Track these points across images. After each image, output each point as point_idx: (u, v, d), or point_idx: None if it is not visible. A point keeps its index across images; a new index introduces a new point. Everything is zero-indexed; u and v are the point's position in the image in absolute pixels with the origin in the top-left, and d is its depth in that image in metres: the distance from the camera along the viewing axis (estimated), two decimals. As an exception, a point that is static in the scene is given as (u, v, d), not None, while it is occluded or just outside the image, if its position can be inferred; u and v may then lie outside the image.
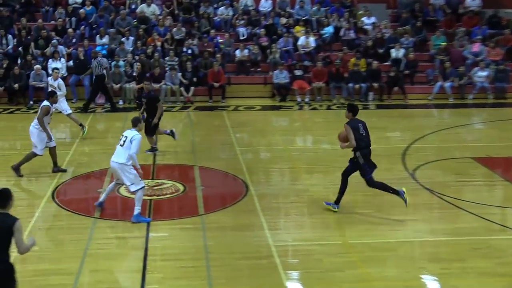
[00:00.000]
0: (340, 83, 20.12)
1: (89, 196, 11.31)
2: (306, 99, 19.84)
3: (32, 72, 18.96)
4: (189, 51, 20.70)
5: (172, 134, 14.10)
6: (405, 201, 9.95)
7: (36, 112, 17.84)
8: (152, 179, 12.07)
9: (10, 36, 20.41)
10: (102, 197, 10.32)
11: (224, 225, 9.88)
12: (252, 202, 10.83)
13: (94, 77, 18.48)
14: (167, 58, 20.32)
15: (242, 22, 22.44)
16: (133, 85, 19.37)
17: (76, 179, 12.06)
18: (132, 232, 9.55)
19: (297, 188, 11.61)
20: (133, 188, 9.85)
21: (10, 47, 20.28)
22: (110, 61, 19.92)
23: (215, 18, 22.70)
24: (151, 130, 13.60)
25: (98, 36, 20.94)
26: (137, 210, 9.82)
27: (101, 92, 18.80)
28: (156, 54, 20.01)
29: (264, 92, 20.48)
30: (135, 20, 21.93)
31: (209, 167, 12.89)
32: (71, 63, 20.01)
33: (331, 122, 17.50)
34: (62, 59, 19.72)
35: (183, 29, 21.59)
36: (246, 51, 21.10)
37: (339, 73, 20.18)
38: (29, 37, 20.63)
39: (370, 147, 10.04)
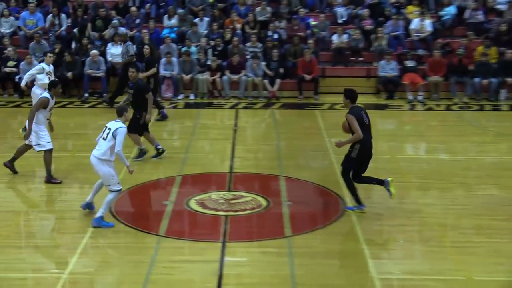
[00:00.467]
0: (463, 78, 19.71)
1: (152, 210, 11.55)
2: (419, 97, 19.55)
3: (88, 58, 19.62)
4: (275, 36, 20.83)
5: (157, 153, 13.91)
6: (390, 192, 10.94)
7: (92, 106, 18.55)
8: (228, 191, 12.20)
9: (63, 16, 21.19)
10: (89, 197, 10.93)
11: (316, 250, 9.84)
12: (350, 223, 10.75)
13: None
14: (248, 44, 20.53)
15: (341, 0, 22.37)
16: (206, 76, 19.69)
17: (138, 189, 12.34)
18: (203, 255, 9.67)
19: (407, 208, 11.43)
20: (108, 188, 10.46)
21: (63, 28, 21.06)
22: (180, 47, 20.36)
23: (308, -5, 22.79)
24: (138, 127, 13.57)
25: (166, 16, 21.43)
26: (100, 212, 10.38)
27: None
28: (235, 39, 20.26)
29: (366, 88, 20.34)
30: (210, -2, 22.33)
31: (297, 178, 12.90)
32: (134, 47, 20.51)
33: (450, 127, 17.14)
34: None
35: (268, 8, 21.76)
36: (345, 36, 21.01)
37: (462, 65, 19.78)
38: (85, 16, 21.37)
39: (372, 140, 10.97)
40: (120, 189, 10.59)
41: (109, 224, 10.48)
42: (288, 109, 18.98)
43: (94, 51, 19.62)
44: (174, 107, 18.95)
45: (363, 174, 11.12)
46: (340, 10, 22.19)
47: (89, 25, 20.85)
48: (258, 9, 21.71)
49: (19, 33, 20.92)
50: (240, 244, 10.14)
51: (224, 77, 19.76)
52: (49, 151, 12.48)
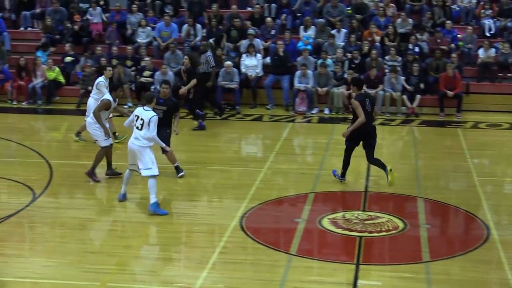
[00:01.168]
0: None
1: (284, 227, 11.61)
2: None
3: (222, 69, 20.03)
4: (417, 49, 20.51)
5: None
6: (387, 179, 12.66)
7: (224, 118, 18.91)
8: (363, 210, 12.09)
9: (199, 26, 21.77)
10: (123, 189, 12.23)
11: (455, 278, 9.59)
12: (495, 251, 10.40)
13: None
14: (387, 57, 20.33)
15: (489, 12, 21.77)
16: (342, 89, 19.65)
17: (269, 205, 12.44)
18: (335, 276, 9.62)
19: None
20: (144, 173, 11.61)
21: (198, 38, 21.62)
22: (316, 59, 20.44)
23: (454, 6, 22.28)
24: (169, 143, 13.45)
25: (302, 27, 21.58)
26: (153, 199, 11.59)
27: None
28: (374, 51, 20.11)
29: (515, 106, 19.73)
30: (349, 8, 22.27)
31: (437, 200, 12.62)
32: (268, 59, 20.82)
33: None
34: (258, 55, 20.61)
35: (410, 20, 21.49)
36: (492, 50, 20.42)
37: None
38: (220, 27, 21.87)
39: (373, 123, 13.01)
40: (157, 174, 11.72)
41: (164, 212, 11.68)
42: (428, 126, 18.61)
43: (228, 62, 20.02)
44: (308, 121, 19.00)
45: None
46: (487, 22, 21.59)
47: (224, 35, 21.29)
48: (398, 20, 21.47)
49: (154, 43, 21.68)
50: (375, 267, 10.03)
51: (361, 92, 19.63)
52: (105, 148, 13.49)
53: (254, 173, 14.06)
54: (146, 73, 20.35)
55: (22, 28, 23.14)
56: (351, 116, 13.27)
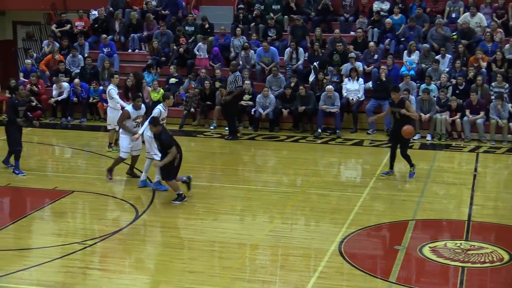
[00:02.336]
0: None
1: (383, 254, 11.44)
2: None
3: (323, 93, 20.01)
4: (525, 75, 19.95)
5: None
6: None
7: (324, 142, 18.88)
8: (466, 240, 11.77)
9: (301, 50, 21.85)
10: (142, 176, 14.09)
11: None
12: None
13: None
14: (493, 84, 19.84)
15: None
16: (445, 116, 19.28)
17: (368, 230, 12.28)
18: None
19: None
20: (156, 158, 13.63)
21: (300, 62, 21.71)
22: (418, 84, 20.18)
23: None
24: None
25: (406, 52, 21.35)
26: (157, 178, 13.96)
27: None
28: (479, 77, 19.66)
29: None
30: (454, 34, 21.87)
31: (544, 232, 12.19)
32: (370, 84, 20.67)
33: None
34: (360, 79, 20.50)
35: (519, 46, 20.93)
36: None
37: None
38: (323, 51, 21.88)
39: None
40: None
41: (165, 188, 13.85)
42: (535, 155, 18.05)
43: (329, 86, 19.98)
44: (409, 147, 18.64)
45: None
46: None
47: (327, 59, 21.29)
48: (507, 46, 20.92)
49: (257, 66, 21.87)
50: (477, 299, 9.75)
51: (465, 118, 19.22)
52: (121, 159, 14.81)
53: (353, 198, 13.95)
54: (246, 96, 20.52)
55: (130, 50, 23.81)
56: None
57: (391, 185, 15.19)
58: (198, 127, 20.78)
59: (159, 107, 14.27)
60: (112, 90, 16.99)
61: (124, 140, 14.69)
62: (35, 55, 23.93)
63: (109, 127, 17.44)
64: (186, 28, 23.47)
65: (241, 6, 23.92)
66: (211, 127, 20.61)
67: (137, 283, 10.08)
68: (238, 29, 22.74)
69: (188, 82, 21.55)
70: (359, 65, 20.85)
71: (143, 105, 14.93)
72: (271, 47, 21.86)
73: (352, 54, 21.03)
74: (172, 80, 21.86)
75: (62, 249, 11.26)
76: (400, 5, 22.77)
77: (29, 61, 23.24)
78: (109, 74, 22.12)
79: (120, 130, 14.81)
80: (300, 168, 16.60)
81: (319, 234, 12.14)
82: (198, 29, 23.41)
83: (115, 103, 17.09)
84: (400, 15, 22.52)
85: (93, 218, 12.95)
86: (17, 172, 15.10)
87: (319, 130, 19.86)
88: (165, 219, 12.84)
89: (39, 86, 21.99)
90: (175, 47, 22.80)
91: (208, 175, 15.98)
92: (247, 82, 20.66)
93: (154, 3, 24.38)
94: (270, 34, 22.69)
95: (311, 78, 21.15)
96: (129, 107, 14.72)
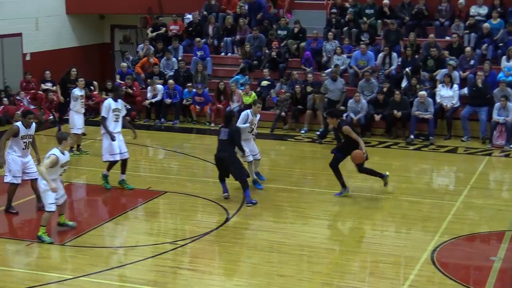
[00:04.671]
0: None
1: (477, 264, 11.19)
2: None
3: (416, 99, 19.71)
4: None
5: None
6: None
7: (417, 148, 18.59)
8: None
9: (394, 55, 21.59)
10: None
11: None
12: None
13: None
14: None
15: None
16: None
17: (461, 240, 12.02)
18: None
19: None
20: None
21: (393, 67, 21.45)
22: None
23: None
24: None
25: (504, 57, 20.78)
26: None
27: None
28: None
29: None
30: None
31: None
32: (465, 90, 20.23)
33: None
34: (455, 85, 20.08)
35: None
36: None
37: None
38: (416, 56, 21.56)
39: None
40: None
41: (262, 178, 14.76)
42: None
43: (422, 92, 19.66)
44: (506, 155, 18.17)
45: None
46: None
47: (420, 65, 20.98)
48: None
49: (350, 71, 21.75)
50: None
51: None
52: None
53: (446, 206, 13.70)
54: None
55: (222, 54, 24.07)
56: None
57: (486, 194, 14.84)
58: (289, 131, 20.80)
59: (248, 111, 14.48)
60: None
61: None
62: (131, 57, 24.49)
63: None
64: (279, 32, 23.54)
65: (334, 10, 23.81)
66: (302, 131, 20.60)
67: (226, 284, 10.18)
68: (331, 33, 22.64)
69: (280, 86, 21.61)
70: (456, 75, 20.37)
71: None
72: (368, 51, 21.69)
73: (452, 62, 20.59)
74: (264, 83, 21.96)
75: (154, 248, 11.49)
76: (498, 9, 22.21)
77: (125, 63, 23.80)
78: (202, 77, 22.48)
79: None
80: (392, 174, 16.33)
81: (410, 242, 11.97)
82: (290, 33, 23.46)
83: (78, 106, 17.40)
84: (498, 19, 21.94)
85: (185, 219, 13.14)
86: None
87: (412, 136, 19.56)
88: (255, 221, 12.91)
89: (134, 88, 22.48)
90: (267, 51, 22.90)
91: (298, 179, 15.99)
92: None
93: (247, 7, 24.55)
94: (363, 39, 22.51)
95: (404, 83, 20.87)
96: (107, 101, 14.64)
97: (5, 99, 22.08)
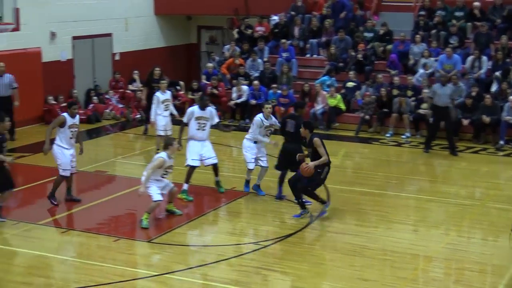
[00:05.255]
0: None
1: None
2: None
3: (507, 104, 19.24)
4: None
5: None
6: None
7: (507, 155, 18.16)
8: None
9: (484, 58, 21.13)
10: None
11: None
12: None
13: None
14: None
15: None
16: None
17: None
18: None
19: None
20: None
21: (483, 71, 20.99)
22: None
23: None
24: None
25: None
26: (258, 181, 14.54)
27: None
28: None
29: None
30: None
31: None
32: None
33: None
34: (549, 90, 19.54)
35: None
36: None
37: None
38: (507, 60, 21.05)
39: None
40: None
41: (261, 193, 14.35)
42: None
43: (512, 97, 19.22)
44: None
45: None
46: None
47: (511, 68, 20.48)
48: None
49: (436, 74, 21.40)
50: None
51: None
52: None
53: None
54: (424, 105, 20.05)
55: (308, 55, 24.05)
56: None
57: None
58: (374, 134, 20.62)
59: (260, 117, 14.25)
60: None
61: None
62: (217, 58, 24.74)
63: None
64: (365, 34, 23.37)
65: (422, 12, 23.46)
66: (387, 135, 20.39)
67: (309, 287, 10.16)
68: (418, 36, 22.34)
69: (365, 88, 21.45)
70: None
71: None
72: (454, 54, 21.30)
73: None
74: (350, 84, 21.85)
75: (237, 248, 11.59)
76: None
77: (211, 64, 24.07)
78: (287, 79, 22.52)
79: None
80: (480, 180, 16.09)
81: (498, 250, 11.71)
82: (377, 35, 23.26)
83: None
84: None
85: (268, 220, 13.17)
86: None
87: (502, 142, 19.08)
88: (338, 224, 12.86)
89: (220, 88, 22.70)
90: (353, 53, 22.77)
91: (382, 183, 15.83)
92: (426, 91, 20.19)
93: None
94: (451, 42, 22.10)
95: (494, 87, 20.40)
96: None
97: (95, 97, 22.68)
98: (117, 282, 10.18)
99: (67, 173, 13.55)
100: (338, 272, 10.71)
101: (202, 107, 14.33)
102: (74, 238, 12.19)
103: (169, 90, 18.26)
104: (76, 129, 13.49)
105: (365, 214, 13.53)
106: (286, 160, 13.88)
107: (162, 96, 17.60)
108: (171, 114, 17.86)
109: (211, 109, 14.48)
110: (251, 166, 14.45)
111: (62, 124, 13.31)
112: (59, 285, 10.25)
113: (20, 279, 10.34)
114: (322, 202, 13.15)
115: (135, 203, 13.40)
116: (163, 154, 12.41)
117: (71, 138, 13.45)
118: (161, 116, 17.60)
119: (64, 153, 13.37)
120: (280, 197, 14.21)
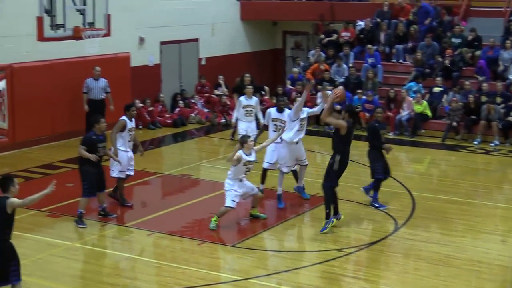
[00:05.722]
0: None
1: None
2: None
3: None
4: None
5: None
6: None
7: None
8: None
9: None
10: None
11: None
12: None
13: None
14: None
15: None
16: None
17: None
18: None
19: None
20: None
21: None
22: None
23: None
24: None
25: None
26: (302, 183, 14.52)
27: None
28: None
29: None
30: None
31: None
32: None
33: None
34: None
35: None
36: None
37: None
38: None
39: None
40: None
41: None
42: None
43: None
44: None
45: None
46: None
47: None
48: None
49: (526, 81, 20.84)
50: None
51: None
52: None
53: None
54: (517, 111, 19.57)
55: (394, 61, 23.74)
56: None
57: None
58: (460, 142, 20.17)
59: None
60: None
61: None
62: (302, 63, 24.70)
63: None
64: (453, 40, 22.91)
65: (514, 17, 22.89)
66: (475, 142, 19.91)
67: (394, 296, 10.02)
68: (508, 41, 21.76)
69: (452, 95, 21.03)
70: None
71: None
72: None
73: None
74: (436, 90, 21.46)
75: (321, 255, 11.51)
76: None
77: (296, 69, 24.05)
78: (372, 84, 22.29)
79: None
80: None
81: None
82: (465, 41, 22.77)
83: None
84: None
85: (352, 227, 13.02)
86: (377, 205, 13.96)
87: None
88: (424, 233, 12.63)
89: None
90: (440, 59, 22.35)
91: (469, 191, 15.47)
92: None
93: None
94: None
95: None
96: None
97: (181, 102, 22.95)
98: (200, 286, 10.25)
99: (123, 175, 13.76)
100: (423, 281, 10.50)
101: (279, 109, 14.27)
102: (159, 240, 12.34)
103: (255, 96, 18.18)
104: (133, 132, 13.72)
105: (451, 223, 13.25)
106: (386, 167, 13.85)
107: (246, 101, 17.60)
108: (257, 119, 17.80)
109: (289, 112, 14.34)
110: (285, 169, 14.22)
111: (123, 128, 13.53)
112: (144, 287, 10.39)
113: (108, 280, 10.54)
114: (327, 216, 12.56)
115: (219, 207, 13.48)
116: (241, 151, 12.53)
117: (129, 141, 13.67)
118: (242, 121, 17.59)
119: (122, 156, 13.55)
120: (378, 205, 13.89)
